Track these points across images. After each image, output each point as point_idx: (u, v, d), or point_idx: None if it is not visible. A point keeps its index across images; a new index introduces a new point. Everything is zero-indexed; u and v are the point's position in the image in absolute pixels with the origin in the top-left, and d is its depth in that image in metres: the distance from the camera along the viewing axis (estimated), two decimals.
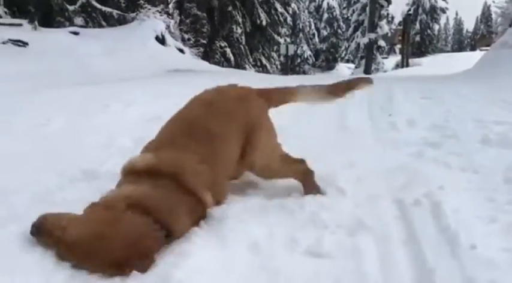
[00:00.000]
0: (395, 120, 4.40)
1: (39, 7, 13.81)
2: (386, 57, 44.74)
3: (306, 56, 50.13)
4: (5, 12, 13.30)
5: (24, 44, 11.24)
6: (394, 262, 1.71)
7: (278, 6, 24.14)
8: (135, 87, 6.85)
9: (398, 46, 44.99)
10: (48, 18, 14.20)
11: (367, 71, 30.51)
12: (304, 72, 45.55)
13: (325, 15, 52.85)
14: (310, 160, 2.46)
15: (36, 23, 12.40)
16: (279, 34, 26.12)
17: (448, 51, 65.41)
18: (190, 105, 2.42)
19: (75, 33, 12.87)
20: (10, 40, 11.27)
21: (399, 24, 47.11)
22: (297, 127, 3.99)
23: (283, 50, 25.61)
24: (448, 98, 6.15)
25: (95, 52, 11.27)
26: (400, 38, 41.22)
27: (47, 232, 1.70)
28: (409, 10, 47.46)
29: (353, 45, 40.68)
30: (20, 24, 12.38)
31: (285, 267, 1.65)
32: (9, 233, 1.83)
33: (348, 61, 51.35)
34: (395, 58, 43.43)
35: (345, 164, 2.78)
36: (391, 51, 50.48)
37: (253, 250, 1.76)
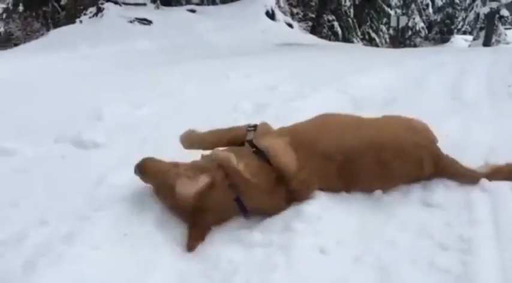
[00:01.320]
0: None
1: None
2: (510, 28, 40.75)
3: (418, 28, 47.38)
4: None
5: (149, 22, 12.30)
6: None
7: None
8: (249, 60, 7.29)
9: None
10: None
11: (487, 43, 28.19)
12: (415, 46, 43.24)
13: None
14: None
15: (158, 2, 13.43)
16: (389, 5, 25.09)
17: None
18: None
19: (192, 11, 13.71)
20: (136, 19, 12.40)
21: None
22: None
23: (393, 22, 24.57)
24: None
25: (211, 28, 11.98)
26: None
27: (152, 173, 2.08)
28: None
29: (471, 15, 37.62)
30: (144, 4, 13.50)
31: None
32: None
33: (464, 33, 47.64)
34: None
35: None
36: None
37: None
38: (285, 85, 4.69)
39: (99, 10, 12.59)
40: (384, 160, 2.04)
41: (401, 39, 36.49)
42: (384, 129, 2.19)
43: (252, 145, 2.15)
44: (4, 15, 15.85)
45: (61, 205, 2.15)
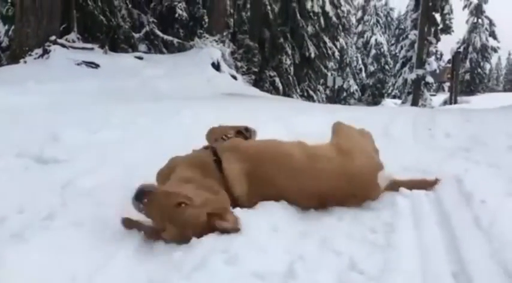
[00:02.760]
0: (435, 132, 4.90)
1: (108, 34, 15.26)
2: (434, 95, 44.41)
3: (352, 90, 50.52)
4: (78, 38, 14.74)
5: (96, 65, 12.46)
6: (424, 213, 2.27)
7: (327, 40, 24.95)
8: (199, 102, 7.65)
9: (448, 84, 44.68)
10: (114, 44, 15.61)
11: (414, 106, 30.56)
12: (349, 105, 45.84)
13: (373, 51, 53.33)
14: None
15: (106, 47, 13.69)
16: (326, 67, 26.85)
17: (499, 91, 63.99)
18: None
19: (140, 58, 14.06)
20: (84, 62, 12.53)
21: (448, 62, 46.85)
22: None
23: (330, 82, 26.30)
24: (489, 121, 6.53)
25: (158, 74, 12.33)
26: (449, 76, 41.01)
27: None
28: (459, 48, 47.18)
29: (400, 80, 40.81)
30: (92, 48, 13.70)
31: None
32: None
33: (394, 97, 51.33)
34: (444, 95, 43.12)
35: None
36: (439, 88, 50.07)
37: None
38: (235, 120, 5.05)
39: (46, 52, 12.60)
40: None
41: (336, 99, 38.70)
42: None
43: (215, 153, 2.37)
44: None
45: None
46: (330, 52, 25.52)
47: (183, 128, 4.63)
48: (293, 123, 5.01)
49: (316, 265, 1.73)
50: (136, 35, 16.08)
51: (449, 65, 42.26)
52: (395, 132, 4.85)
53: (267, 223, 1.97)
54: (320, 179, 2.24)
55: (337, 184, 2.24)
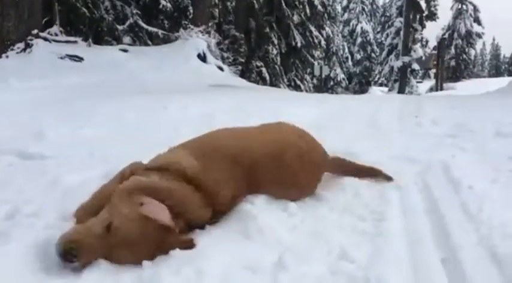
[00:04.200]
0: (421, 120, 4.92)
1: (91, 26, 15.04)
2: (420, 82, 44.76)
3: (339, 79, 50.56)
4: (61, 31, 14.51)
5: (80, 59, 12.29)
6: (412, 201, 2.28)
7: (313, 29, 24.91)
8: (186, 95, 7.59)
9: (433, 71, 44.98)
10: (98, 37, 15.41)
11: (401, 93, 30.77)
12: (337, 94, 45.99)
13: (359, 39, 53.40)
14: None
15: (90, 40, 13.50)
16: (312, 56, 26.84)
17: (484, 77, 64.58)
18: None
19: (125, 51, 13.89)
20: (67, 55, 12.34)
21: (434, 48, 47.11)
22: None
23: (317, 71, 26.30)
24: (475, 107, 6.59)
25: (143, 67, 12.20)
26: (434, 62, 41.32)
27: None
28: (444, 34, 47.43)
29: (386, 68, 41.02)
30: (75, 41, 13.49)
31: None
32: None
33: (381, 85, 51.55)
34: (430, 82, 43.45)
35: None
36: (425, 75, 50.39)
37: None
38: (222, 114, 5.03)
39: (28, 46, 12.38)
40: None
41: (324, 88, 38.77)
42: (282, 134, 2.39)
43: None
44: None
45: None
46: (316, 41, 25.50)
47: (171, 122, 4.59)
48: (284, 114, 4.98)
49: (306, 256, 1.73)
50: (120, 27, 15.88)
51: (435, 52, 42.57)
52: (382, 121, 4.87)
53: (255, 216, 1.96)
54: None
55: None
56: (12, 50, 12.37)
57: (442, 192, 2.28)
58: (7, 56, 12.18)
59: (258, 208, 2.02)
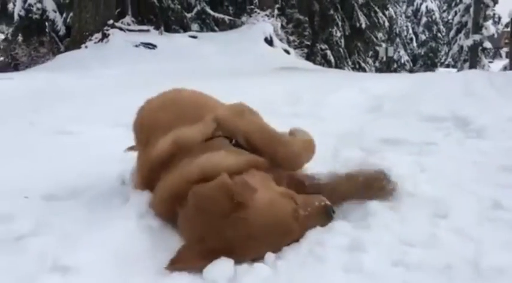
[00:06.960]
0: None
1: (161, 16, 15.52)
2: (491, 61, 42.35)
3: (403, 61, 48.92)
4: (133, 21, 15.09)
5: (154, 46, 12.77)
6: None
7: (377, 9, 24.23)
8: (261, 78, 7.69)
9: (505, 49, 42.38)
10: (166, 25, 15.87)
11: None
12: None
13: (424, 19, 51.26)
14: None
15: (162, 28, 13.97)
16: (376, 38, 26.15)
17: None
18: None
19: (194, 37, 14.25)
20: (142, 43, 12.87)
21: (506, 25, 44.29)
22: None
23: (382, 53, 25.62)
24: None
25: (212, 52, 12.48)
26: (506, 41, 38.92)
27: None
28: None
29: (455, 48, 39.03)
30: (148, 30, 14.01)
31: None
32: None
33: (448, 66, 49.32)
34: (502, 62, 40.94)
35: None
36: (496, 55, 47.64)
37: None
38: (304, 92, 5.07)
39: (105, 36, 13.01)
40: None
41: (387, 71, 37.71)
42: None
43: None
44: (1, 46, 16.21)
45: None
46: (381, 21, 24.77)
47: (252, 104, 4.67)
48: (366, 86, 4.96)
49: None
50: (188, 15, 16.26)
51: (508, 29, 40.01)
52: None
53: None
54: None
55: None
56: (90, 40, 13.06)
57: None
58: (86, 46, 12.89)
59: None
